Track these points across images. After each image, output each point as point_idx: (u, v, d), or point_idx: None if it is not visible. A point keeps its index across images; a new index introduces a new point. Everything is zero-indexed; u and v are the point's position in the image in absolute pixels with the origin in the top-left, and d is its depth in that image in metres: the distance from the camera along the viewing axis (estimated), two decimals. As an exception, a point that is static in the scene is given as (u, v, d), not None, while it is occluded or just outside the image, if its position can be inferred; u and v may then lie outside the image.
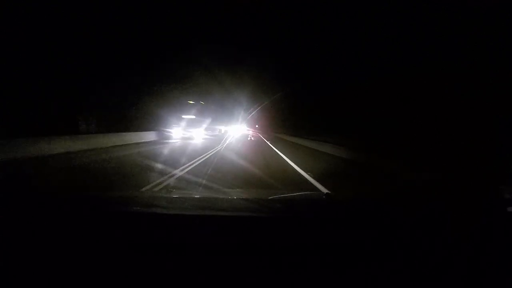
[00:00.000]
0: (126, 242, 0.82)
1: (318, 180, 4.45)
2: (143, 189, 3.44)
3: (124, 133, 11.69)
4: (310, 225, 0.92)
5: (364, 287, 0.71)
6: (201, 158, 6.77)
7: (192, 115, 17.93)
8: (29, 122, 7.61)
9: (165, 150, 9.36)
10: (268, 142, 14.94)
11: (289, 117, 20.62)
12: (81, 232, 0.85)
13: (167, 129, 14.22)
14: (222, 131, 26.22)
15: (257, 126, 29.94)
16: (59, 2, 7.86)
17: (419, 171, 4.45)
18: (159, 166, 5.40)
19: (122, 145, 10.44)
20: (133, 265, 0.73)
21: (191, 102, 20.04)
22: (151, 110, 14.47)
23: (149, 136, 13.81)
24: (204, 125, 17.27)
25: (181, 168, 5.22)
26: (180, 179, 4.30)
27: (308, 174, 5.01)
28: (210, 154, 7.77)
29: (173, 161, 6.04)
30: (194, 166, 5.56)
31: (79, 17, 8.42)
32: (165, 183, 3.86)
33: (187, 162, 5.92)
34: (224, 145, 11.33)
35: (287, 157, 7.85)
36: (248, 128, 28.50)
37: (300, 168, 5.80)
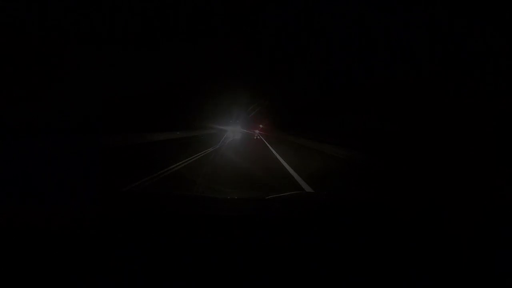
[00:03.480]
0: (125, 242, 0.81)
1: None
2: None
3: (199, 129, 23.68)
4: (308, 225, 0.93)
5: (363, 287, 0.70)
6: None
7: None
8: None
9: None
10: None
11: (275, 118, 29.60)
12: (75, 231, 0.84)
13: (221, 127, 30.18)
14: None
15: (261, 126, 40.37)
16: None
17: (418, 170, 4.44)
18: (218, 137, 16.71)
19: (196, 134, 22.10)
20: (131, 264, 0.73)
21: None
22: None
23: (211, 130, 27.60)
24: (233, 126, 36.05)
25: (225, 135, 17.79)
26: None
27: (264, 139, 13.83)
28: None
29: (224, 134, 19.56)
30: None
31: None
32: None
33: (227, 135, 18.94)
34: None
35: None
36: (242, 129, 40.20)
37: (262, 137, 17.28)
